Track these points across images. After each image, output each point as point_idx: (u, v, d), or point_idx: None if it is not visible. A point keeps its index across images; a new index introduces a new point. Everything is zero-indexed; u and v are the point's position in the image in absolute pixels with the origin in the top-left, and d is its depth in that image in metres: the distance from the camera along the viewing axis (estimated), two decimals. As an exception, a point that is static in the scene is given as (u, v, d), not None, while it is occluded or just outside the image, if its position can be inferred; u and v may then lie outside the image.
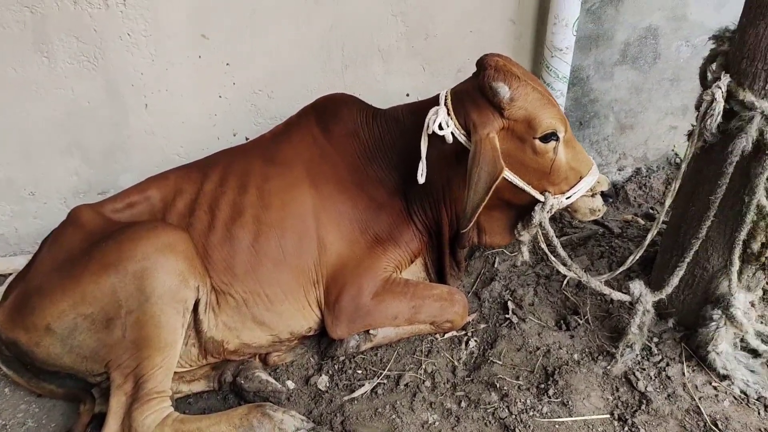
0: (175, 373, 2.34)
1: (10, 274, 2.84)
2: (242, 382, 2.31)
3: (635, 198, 3.26)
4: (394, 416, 2.21)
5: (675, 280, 2.13)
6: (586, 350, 2.37)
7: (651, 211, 3.18)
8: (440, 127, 2.17)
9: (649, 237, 2.30)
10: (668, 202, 2.14)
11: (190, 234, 2.32)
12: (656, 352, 2.31)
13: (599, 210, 2.36)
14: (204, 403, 2.38)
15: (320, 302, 2.43)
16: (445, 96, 2.24)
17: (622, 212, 3.22)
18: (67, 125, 2.96)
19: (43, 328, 2.13)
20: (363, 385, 2.37)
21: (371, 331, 2.46)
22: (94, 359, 2.15)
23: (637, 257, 2.31)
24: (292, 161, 2.47)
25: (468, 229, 2.24)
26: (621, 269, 2.33)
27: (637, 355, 2.29)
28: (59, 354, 2.16)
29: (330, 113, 2.53)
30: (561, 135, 2.16)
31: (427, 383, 2.33)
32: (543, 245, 2.33)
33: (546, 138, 2.14)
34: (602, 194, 2.34)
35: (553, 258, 2.29)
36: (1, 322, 2.26)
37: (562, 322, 2.52)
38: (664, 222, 2.34)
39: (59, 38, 2.73)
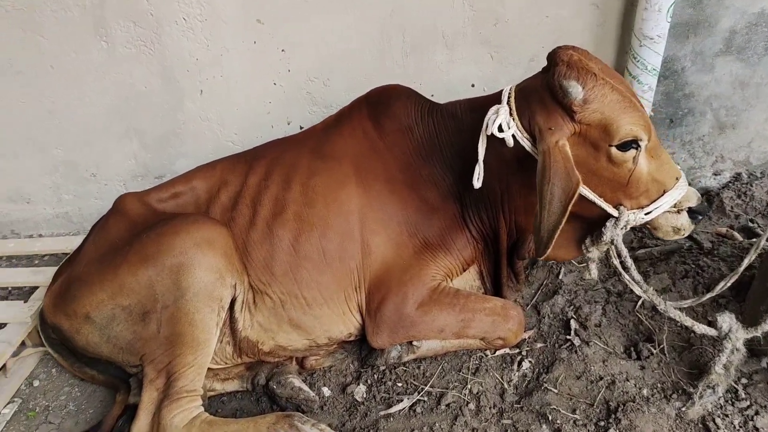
0: (209, 369, 2.30)
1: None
2: (274, 386, 2.21)
3: (732, 208, 2.84)
4: (430, 440, 2.02)
5: (774, 315, 1.79)
6: (658, 386, 2.06)
7: (750, 224, 2.75)
8: (500, 129, 1.93)
9: (747, 260, 1.96)
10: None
11: (232, 228, 2.24)
12: (743, 396, 1.96)
13: (684, 229, 2.03)
14: (237, 403, 2.30)
15: (361, 308, 2.27)
16: (509, 93, 1.99)
17: (716, 224, 2.82)
18: (124, 110, 2.97)
19: (83, 316, 2.12)
20: (402, 400, 2.19)
21: (415, 343, 2.28)
22: (130, 351, 2.13)
23: (730, 283, 1.97)
24: (340, 156, 2.32)
25: (544, 253, 1.92)
26: (708, 295, 1.99)
27: (720, 397, 1.96)
28: (98, 343, 2.16)
29: (383, 106, 2.35)
30: (643, 143, 1.87)
31: (471, 406, 2.12)
32: (615, 260, 2.03)
33: (625, 146, 1.85)
34: (690, 210, 2.00)
35: (626, 276, 2.00)
36: (47, 305, 2.28)
37: (632, 349, 2.22)
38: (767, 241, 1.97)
39: (117, 22, 2.71)
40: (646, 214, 1.95)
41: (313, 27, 2.73)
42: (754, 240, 2.53)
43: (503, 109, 1.94)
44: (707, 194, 2.95)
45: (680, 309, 1.95)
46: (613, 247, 2.01)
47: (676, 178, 1.94)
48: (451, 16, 2.69)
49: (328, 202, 2.24)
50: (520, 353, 2.30)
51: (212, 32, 2.73)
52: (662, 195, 1.93)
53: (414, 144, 2.29)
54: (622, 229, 1.95)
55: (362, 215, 2.25)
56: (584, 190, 1.91)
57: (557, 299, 2.49)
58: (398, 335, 2.23)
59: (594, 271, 2.09)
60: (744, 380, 2.02)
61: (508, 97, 1.98)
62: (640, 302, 2.37)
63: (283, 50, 2.77)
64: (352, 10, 2.69)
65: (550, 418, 2.01)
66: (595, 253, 2.04)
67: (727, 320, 1.84)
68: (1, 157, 3.14)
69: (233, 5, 2.69)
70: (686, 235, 2.05)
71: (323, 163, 2.31)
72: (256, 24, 2.72)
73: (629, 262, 1.97)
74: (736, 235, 2.65)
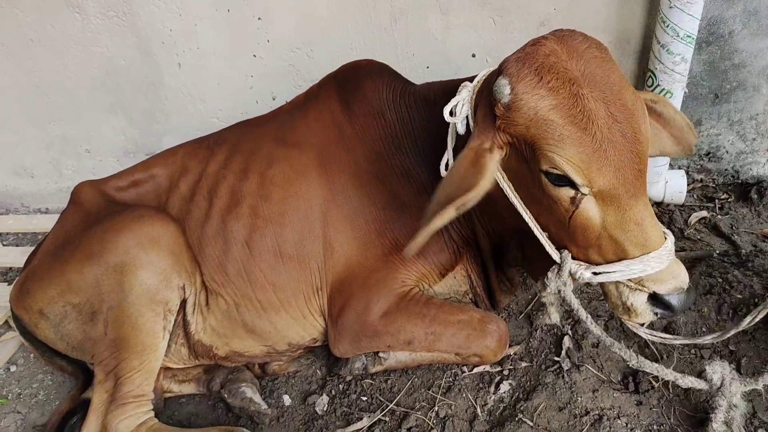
0: (168, 369, 2.21)
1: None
2: (225, 395, 2.06)
3: (788, 203, 2.36)
4: (382, 471, 1.82)
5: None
6: (654, 428, 1.73)
7: (808, 225, 2.27)
8: (451, 113, 1.62)
9: None
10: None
11: (188, 222, 2.08)
12: (759, 453, 1.61)
13: (637, 314, 1.50)
14: (194, 407, 2.19)
15: (324, 311, 2.06)
16: (484, 76, 1.65)
17: (765, 222, 2.35)
18: (108, 84, 2.83)
19: (37, 311, 2.05)
20: (362, 417, 1.99)
21: (381, 354, 2.05)
22: (82, 350, 2.05)
23: (761, 316, 1.59)
24: (302, 143, 2.07)
25: (410, 252, 1.60)
26: (733, 330, 1.61)
27: (727, 455, 1.61)
28: (53, 339, 2.09)
29: (352, 86, 2.06)
30: (584, 188, 1.41)
31: (435, 432, 1.88)
32: (576, 307, 1.65)
33: (557, 179, 1.43)
34: (655, 297, 1.47)
35: (592, 326, 1.65)
36: (12, 295, 2.22)
37: (630, 378, 1.88)
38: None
39: (85, -9, 2.53)
40: (593, 273, 1.51)
41: (291, -9, 2.44)
42: (806, 249, 2.07)
43: (466, 91, 1.62)
44: (759, 185, 2.46)
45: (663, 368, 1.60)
46: (560, 300, 1.64)
47: (645, 249, 1.43)
48: (446, -25, 2.31)
49: (287, 196, 2.02)
50: (501, 372, 2.03)
51: (183, 0, 2.49)
52: (618, 261, 1.47)
53: (386, 131, 2.00)
54: (565, 280, 1.56)
55: (325, 210, 2.01)
56: (523, 212, 1.56)
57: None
58: (361, 345, 2.01)
59: (554, 316, 1.69)
60: (761, 431, 1.65)
61: (481, 81, 1.64)
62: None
63: (259, 18, 2.50)
64: (332, -30, 2.37)
65: (518, 457, 1.75)
66: (549, 297, 1.63)
67: (718, 371, 1.50)
68: (2, 131, 3.11)
69: (203, -31, 2.43)
70: (639, 322, 1.54)
71: (284, 150, 2.07)
72: (227, -11, 2.46)
73: (583, 315, 1.62)
74: (786, 239, 2.19)
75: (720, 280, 2.06)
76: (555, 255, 1.57)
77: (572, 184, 1.41)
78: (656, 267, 1.42)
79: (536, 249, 1.63)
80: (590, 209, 1.44)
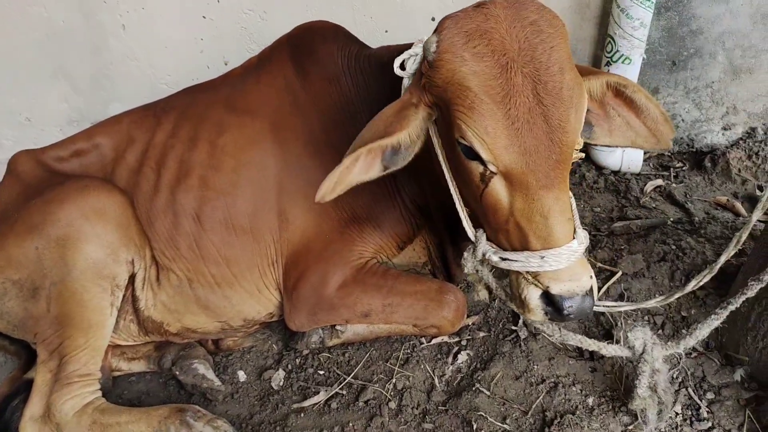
0: (117, 347, 2.14)
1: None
2: (177, 372, 2.00)
3: (740, 171, 2.38)
4: (338, 443, 1.79)
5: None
6: (608, 394, 1.75)
7: (759, 193, 2.31)
8: (402, 67, 1.56)
9: (735, 243, 1.59)
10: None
11: (136, 195, 1.99)
12: (706, 415, 1.64)
13: (528, 309, 1.42)
14: (145, 385, 2.12)
15: (280, 285, 2.00)
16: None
17: (717, 189, 2.38)
18: (48, 48, 2.66)
19: None
20: (318, 392, 1.95)
21: (338, 327, 2.01)
22: (24, 329, 1.95)
23: (708, 277, 1.61)
24: (255, 109, 1.98)
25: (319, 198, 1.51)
26: (677, 294, 1.64)
27: (677, 414, 1.64)
28: None
29: (307, 49, 1.97)
30: (491, 165, 1.35)
31: (392, 404, 1.86)
32: (494, 286, 1.62)
33: (467, 152, 1.37)
34: (547, 295, 1.38)
35: (512, 305, 1.56)
36: None
37: (585, 346, 1.89)
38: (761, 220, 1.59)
39: (16, -56, 2.34)
40: (500, 258, 1.44)
41: (240, -53, 2.31)
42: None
43: (419, 47, 1.53)
44: (714, 153, 2.49)
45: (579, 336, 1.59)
46: (477, 279, 1.61)
47: (545, 245, 1.35)
48: (403, -68, 2.22)
49: (239, 165, 1.94)
50: (459, 343, 2.02)
51: (125, -45, 2.34)
52: (521, 250, 1.40)
53: (341, 97, 1.93)
54: (479, 260, 1.51)
55: (279, 180, 1.94)
56: (447, 175, 1.52)
57: (504, 282, 2.14)
58: (317, 318, 1.97)
59: (482, 293, 1.64)
60: (710, 395, 1.69)
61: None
62: (603, 289, 2.02)
63: (208, -23, 2.36)
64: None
65: (475, 426, 1.74)
66: (471, 276, 1.60)
67: (640, 337, 1.49)
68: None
69: None
70: (529, 318, 1.46)
71: (236, 117, 1.98)
72: (173, -56, 2.31)
73: (502, 295, 1.59)
74: (738, 206, 2.23)
75: (673, 247, 2.08)
76: (470, 232, 1.54)
77: (481, 160, 1.34)
78: (554, 265, 1.34)
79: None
80: (498, 190, 1.37)
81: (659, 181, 2.45)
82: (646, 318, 1.92)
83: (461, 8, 1.42)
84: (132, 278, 1.95)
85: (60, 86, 2.78)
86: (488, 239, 1.50)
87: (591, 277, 1.38)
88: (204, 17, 2.48)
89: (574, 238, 1.37)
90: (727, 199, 2.26)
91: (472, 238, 1.53)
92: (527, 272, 1.39)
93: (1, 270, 1.86)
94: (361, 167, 1.46)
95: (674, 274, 2.00)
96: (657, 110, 1.51)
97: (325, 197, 1.47)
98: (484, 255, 1.49)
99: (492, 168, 1.35)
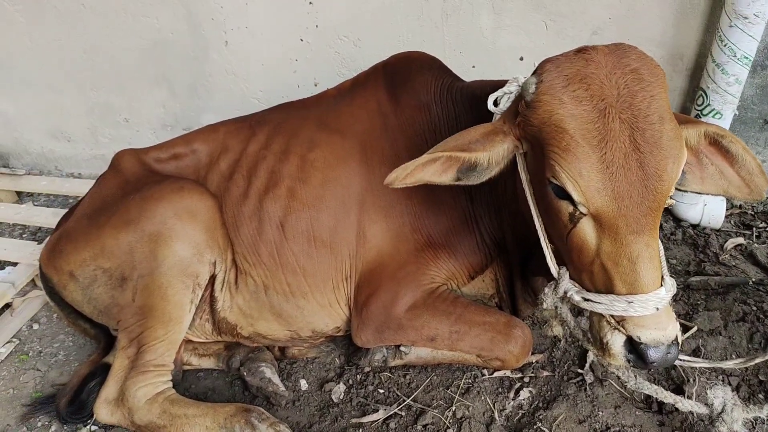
0: (189, 342, 2.23)
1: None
2: (245, 373, 2.07)
3: (830, 237, 2.30)
4: (394, 464, 1.81)
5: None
6: (675, 450, 1.71)
7: None
8: (495, 103, 1.61)
9: None
10: None
11: (225, 200, 2.09)
12: (778, 485, 1.57)
13: (610, 355, 1.41)
14: (212, 382, 2.20)
15: (350, 300, 2.06)
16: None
17: (805, 253, 2.30)
18: (154, 55, 2.86)
19: (67, 272, 2.08)
20: (377, 410, 1.98)
21: (403, 348, 2.04)
22: (108, 315, 2.07)
23: None
24: (346, 129, 2.07)
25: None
26: (759, 359, 1.58)
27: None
28: (80, 301, 2.11)
29: (401, 77, 2.05)
30: (581, 207, 1.36)
31: (451, 432, 1.87)
32: (573, 325, 1.61)
33: (558, 191, 1.39)
34: (631, 342, 1.37)
35: (588, 345, 1.55)
36: (42, 255, 2.25)
37: (654, 399, 1.84)
38: None
39: (141, -39, 2.55)
40: (582, 298, 1.44)
41: (346, -22, 2.44)
42: None
43: (514, 85, 1.60)
44: (801, 216, 2.41)
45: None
46: (555, 317, 1.60)
47: (631, 290, 1.34)
48: (502, -25, 2.29)
49: (326, 181, 2.02)
50: (521, 379, 2.01)
51: (237, -22, 2.51)
52: (604, 294, 1.39)
53: (430, 125, 1.99)
54: (561, 298, 1.51)
55: (362, 199, 2.00)
56: (533, 209, 1.54)
57: (582, 321, 2.13)
58: (384, 336, 2.00)
59: (557, 329, 1.64)
60: (783, 462, 1.62)
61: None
62: (684, 336, 1.97)
63: (311, 3, 2.50)
64: (388, -39, 2.37)
65: (534, 465, 1.73)
66: (547, 312, 1.59)
67: (720, 396, 1.45)
68: (46, 92, 3.15)
69: (260, -52, 2.44)
70: (610, 364, 1.47)
71: (327, 135, 2.07)
72: (283, -29, 2.47)
73: (579, 335, 1.57)
74: (826, 273, 2.15)
75: (754, 308, 2.02)
76: (554, 269, 1.54)
77: (571, 200, 1.36)
78: (639, 311, 1.33)
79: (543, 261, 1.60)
80: (586, 231, 1.39)
81: (740, 240, 2.39)
82: (720, 378, 1.86)
83: (560, 53, 1.46)
84: (212, 279, 2.05)
85: (159, 91, 2.98)
86: (570, 278, 1.51)
87: (676, 326, 1.37)
88: (302, 40, 2.62)
89: (661, 285, 1.36)
90: (815, 264, 2.18)
91: (555, 275, 1.53)
92: (611, 316, 1.38)
93: (94, 258, 1.99)
94: (436, 169, 1.53)
95: (753, 336, 1.94)
96: (753, 162, 1.50)
97: (394, 183, 1.53)
98: (565, 293, 1.50)
99: (582, 209, 1.36)
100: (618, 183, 1.32)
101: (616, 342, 1.38)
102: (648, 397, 1.88)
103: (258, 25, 2.62)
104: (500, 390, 1.99)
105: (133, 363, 1.95)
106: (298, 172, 2.04)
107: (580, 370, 1.97)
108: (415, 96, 2.02)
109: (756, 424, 1.68)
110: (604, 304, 1.38)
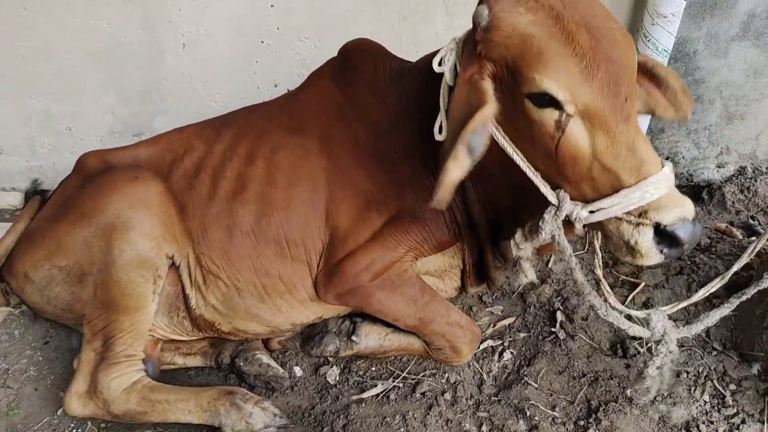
0: (172, 341, 2.21)
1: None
2: (241, 364, 2.11)
3: (734, 203, 2.72)
4: (402, 429, 1.94)
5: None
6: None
7: (751, 221, 2.64)
8: (440, 63, 1.65)
9: (745, 258, 1.84)
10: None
11: (191, 197, 2.03)
12: (731, 403, 1.88)
13: (642, 254, 1.40)
14: (204, 378, 2.21)
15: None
16: (468, 32, 1.62)
17: (715, 218, 2.71)
18: (104, 60, 2.79)
19: (22, 275, 2.03)
20: (375, 385, 2.10)
21: (354, 338, 2.14)
22: (72, 312, 2.03)
23: (721, 283, 1.84)
24: (305, 126, 2.06)
25: (436, 204, 1.49)
26: (695, 297, 1.85)
27: (706, 402, 1.88)
28: (40, 303, 2.07)
29: (351, 64, 2.07)
30: (568, 106, 1.35)
31: (447, 396, 2.03)
32: (597, 260, 1.70)
33: (538, 100, 1.38)
34: (660, 231, 1.36)
35: (576, 269, 1.59)
36: (7, 261, 2.15)
37: (618, 346, 2.12)
38: None
39: (94, -37, 2.51)
40: (590, 211, 1.43)
41: (306, -18, 2.54)
42: (753, 239, 2.42)
43: (452, 43, 1.64)
44: (710, 187, 2.82)
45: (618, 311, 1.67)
46: (555, 244, 1.56)
47: (642, 174, 1.35)
48: (454, -21, 2.51)
49: (292, 182, 1.99)
50: (502, 344, 2.21)
51: (196, -19, 2.54)
52: (614, 193, 1.38)
53: (386, 108, 1.97)
54: (560, 222, 1.50)
55: (329, 191, 1.99)
56: (510, 150, 1.49)
57: (544, 288, 2.39)
58: (347, 300, 2.00)
59: (530, 273, 1.68)
60: (732, 386, 1.94)
61: (464, 34, 1.64)
62: (630, 297, 2.27)
63: (272, 6, 2.58)
64: (348, -35, 2.51)
65: (528, 413, 1.93)
66: (526, 250, 1.62)
67: (660, 319, 1.62)
68: (-27, 102, 2.96)
69: (220, -48, 2.50)
70: (647, 264, 1.44)
71: (288, 136, 2.05)
72: (244, -25, 2.53)
73: (573, 263, 1.58)
74: (736, 232, 2.54)
75: (688, 263, 2.36)
76: (551, 195, 1.48)
77: (556, 104, 1.36)
78: (656, 193, 1.33)
79: (530, 204, 1.61)
80: (577, 133, 1.37)
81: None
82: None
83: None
84: (178, 276, 2.03)
85: (108, 97, 2.90)
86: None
87: (690, 201, 1.40)
88: (262, 42, 2.68)
89: (663, 165, 1.39)
90: (726, 226, 2.58)
91: (553, 200, 1.48)
92: (628, 214, 1.37)
93: (48, 257, 1.96)
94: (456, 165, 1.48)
95: (691, 285, 2.27)
96: (677, 83, 1.59)
97: (441, 202, 1.49)
98: (568, 215, 1.45)
99: (569, 109, 1.35)
100: (595, 74, 1.34)
101: (645, 238, 1.36)
102: (612, 345, 2.15)
103: (217, 28, 2.65)
104: (484, 355, 2.18)
105: (101, 355, 1.94)
106: (265, 175, 2.01)
107: (552, 329, 2.21)
108: (365, 81, 2.00)
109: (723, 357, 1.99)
110: (619, 203, 1.37)
